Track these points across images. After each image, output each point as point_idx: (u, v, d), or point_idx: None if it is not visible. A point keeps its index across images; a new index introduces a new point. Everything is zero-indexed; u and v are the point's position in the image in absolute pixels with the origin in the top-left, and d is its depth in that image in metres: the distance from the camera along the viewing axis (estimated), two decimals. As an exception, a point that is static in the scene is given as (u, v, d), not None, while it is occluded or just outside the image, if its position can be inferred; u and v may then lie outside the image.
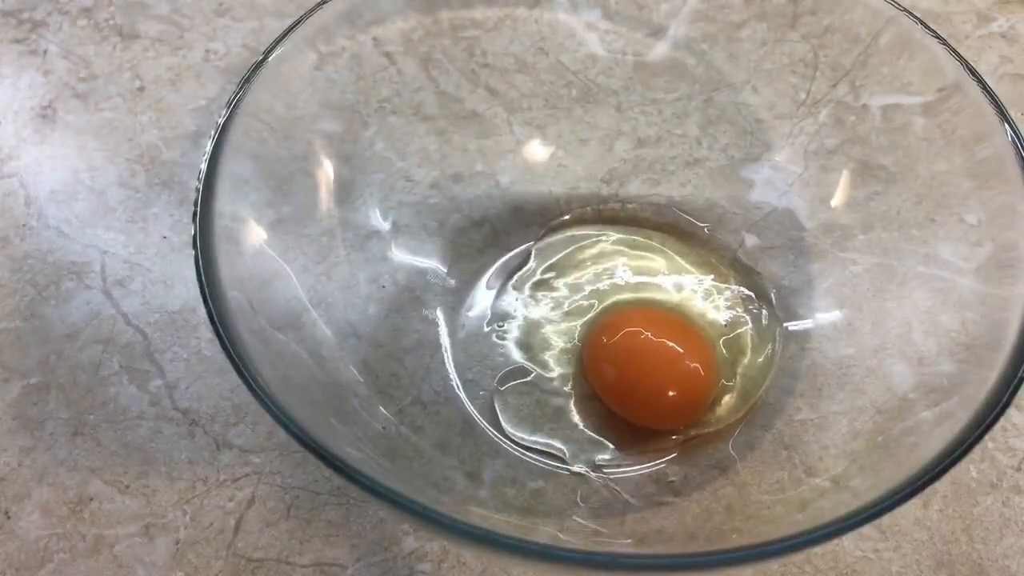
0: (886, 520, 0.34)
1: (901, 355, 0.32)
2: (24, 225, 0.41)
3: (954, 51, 0.32)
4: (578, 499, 0.32)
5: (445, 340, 0.36)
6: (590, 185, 0.40)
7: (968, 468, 0.35)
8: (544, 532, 0.31)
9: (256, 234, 0.31)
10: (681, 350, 0.35)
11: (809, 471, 0.31)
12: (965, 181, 0.32)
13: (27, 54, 0.47)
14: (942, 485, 0.35)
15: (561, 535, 0.31)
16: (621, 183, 0.40)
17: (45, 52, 0.47)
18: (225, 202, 0.29)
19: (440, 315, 0.37)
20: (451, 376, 0.36)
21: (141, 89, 0.46)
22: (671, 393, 0.34)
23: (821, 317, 0.35)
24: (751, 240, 0.38)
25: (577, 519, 0.32)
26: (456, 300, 0.37)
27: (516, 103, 0.39)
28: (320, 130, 0.35)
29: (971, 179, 0.31)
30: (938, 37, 0.32)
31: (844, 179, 0.36)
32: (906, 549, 0.34)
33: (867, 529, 0.33)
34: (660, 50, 0.39)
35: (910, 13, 0.33)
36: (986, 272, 0.30)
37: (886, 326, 0.33)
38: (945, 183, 0.32)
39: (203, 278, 0.27)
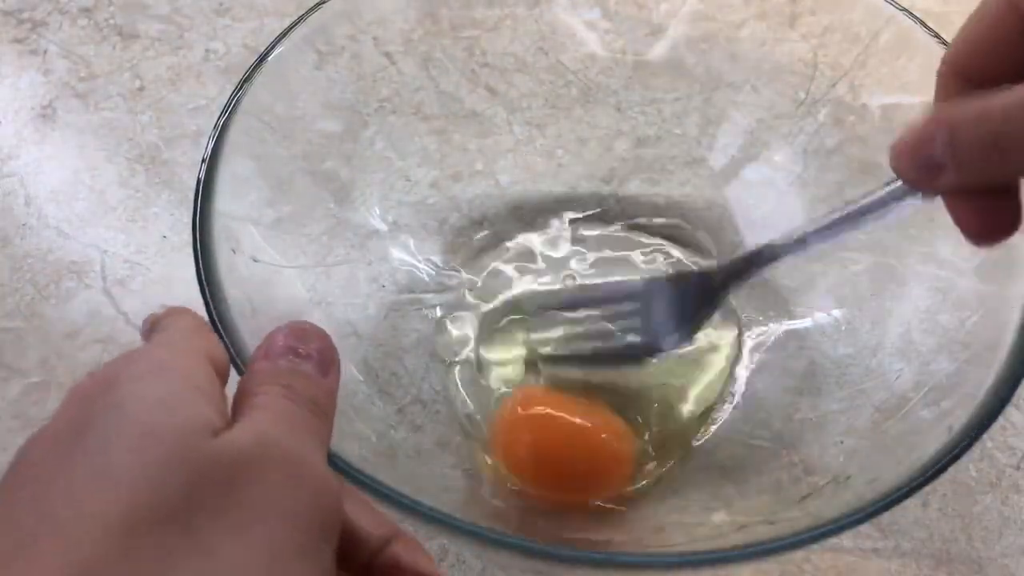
0: (885, 519, 0.34)
1: (900, 354, 0.32)
2: (24, 225, 0.41)
3: (953, 51, 0.32)
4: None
5: (445, 340, 0.36)
6: (590, 185, 0.40)
7: (967, 467, 0.35)
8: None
9: (256, 234, 0.31)
10: (590, 425, 0.33)
11: (809, 471, 0.31)
12: (964, 181, 0.32)
13: (27, 54, 0.47)
14: (941, 484, 0.35)
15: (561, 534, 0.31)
16: (621, 183, 0.40)
17: (45, 52, 0.47)
18: (225, 202, 0.29)
19: (440, 315, 0.37)
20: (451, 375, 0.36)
21: (141, 89, 0.46)
22: (587, 476, 0.32)
23: (821, 316, 0.35)
24: (750, 239, 0.38)
25: (577, 519, 0.32)
26: (456, 300, 0.37)
27: (516, 103, 0.39)
28: (320, 130, 0.35)
29: (970, 179, 0.31)
30: (938, 37, 0.33)
31: (844, 179, 0.36)
32: (905, 548, 0.34)
33: (867, 528, 0.33)
34: (660, 50, 0.39)
35: (910, 13, 0.33)
36: (985, 272, 0.30)
37: (885, 325, 0.33)
38: (944, 183, 0.32)
39: (203, 278, 0.27)
